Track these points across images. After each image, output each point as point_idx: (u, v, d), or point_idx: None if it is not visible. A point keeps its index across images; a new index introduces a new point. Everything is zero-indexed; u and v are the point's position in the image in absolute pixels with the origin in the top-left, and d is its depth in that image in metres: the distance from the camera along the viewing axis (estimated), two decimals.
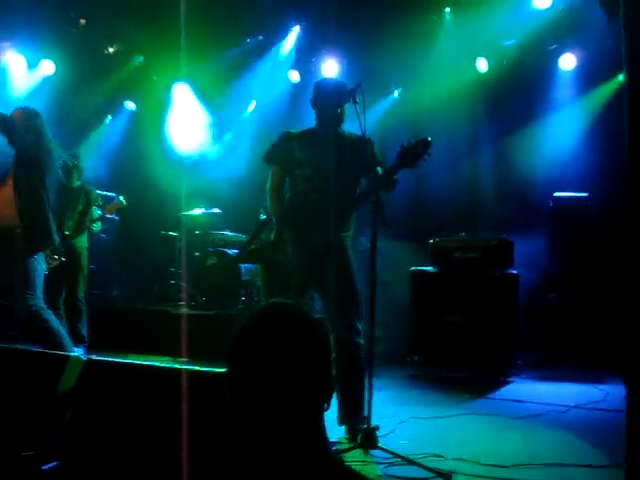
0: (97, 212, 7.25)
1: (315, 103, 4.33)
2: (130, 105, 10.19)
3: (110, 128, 10.21)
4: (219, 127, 9.98)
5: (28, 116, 5.14)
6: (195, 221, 8.90)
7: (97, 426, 3.26)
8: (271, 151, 4.42)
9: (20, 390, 3.56)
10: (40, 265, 5.00)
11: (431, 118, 8.26)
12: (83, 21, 8.74)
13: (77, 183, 7.15)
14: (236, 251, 8.20)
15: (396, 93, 9.10)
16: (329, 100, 4.19)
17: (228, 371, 1.75)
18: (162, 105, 9.94)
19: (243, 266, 7.93)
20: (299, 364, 1.66)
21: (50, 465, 3.01)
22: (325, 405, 1.75)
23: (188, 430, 3.00)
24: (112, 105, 10.10)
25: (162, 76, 9.69)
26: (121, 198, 7.18)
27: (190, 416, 3.03)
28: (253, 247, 4.14)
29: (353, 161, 4.13)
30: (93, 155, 9.55)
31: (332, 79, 4.39)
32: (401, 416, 4.51)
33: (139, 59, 9.58)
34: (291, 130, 4.46)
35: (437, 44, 8.12)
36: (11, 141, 5.01)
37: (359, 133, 4.08)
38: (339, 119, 4.23)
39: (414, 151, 3.76)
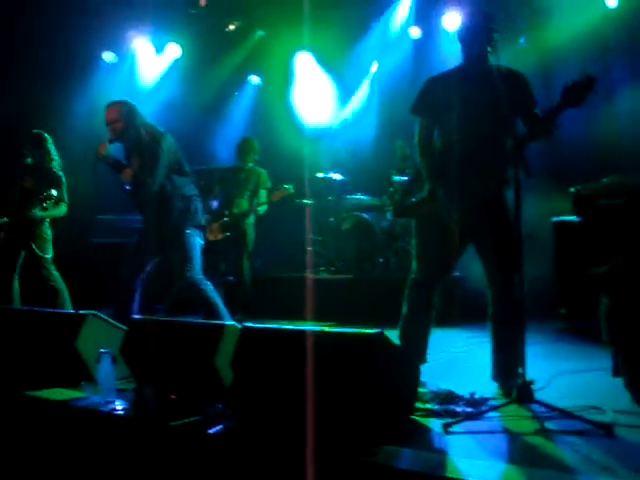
0: (264, 195, 7.49)
1: (462, 35, 4.04)
2: (254, 79, 10.37)
3: (238, 104, 10.45)
4: (343, 92, 9.98)
5: (129, 106, 5.28)
6: (326, 187, 8.98)
7: (257, 389, 3.41)
8: (416, 101, 4.17)
9: (180, 359, 3.77)
10: (194, 238, 5.24)
11: (561, 63, 7.91)
12: (203, 1, 8.96)
13: (250, 164, 7.49)
14: (369, 215, 8.23)
15: (522, 40, 8.76)
16: (477, 30, 3.93)
17: None
18: (286, 76, 10.06)
19: (379, 228, 7.95)
20: None
21: (215, 429, 3.16)
22: None
23: (345, 390, 3.08)
24: (237, 81, 10.32)
25: (284, 47, 9.78)
26: (287, 186, 7.31)
27: (345, 376, 3.10)
28: (406, 203, 4.13)
29: (508, 97, 3.76)
30: (223, 132, 9.85)
31: (480, 11, 4.11)
32: (552, 370, 4.40)
33: (260, 33, 9.73)
34: (434, 75, 4.21)
35: None
36: (124, 133, 5.18)
37: (510, 68, 3.90)
38: (486, 53, 3.91)
39: (580, 88, 3.45)
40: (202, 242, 5.34)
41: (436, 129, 4.13)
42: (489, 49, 3.90)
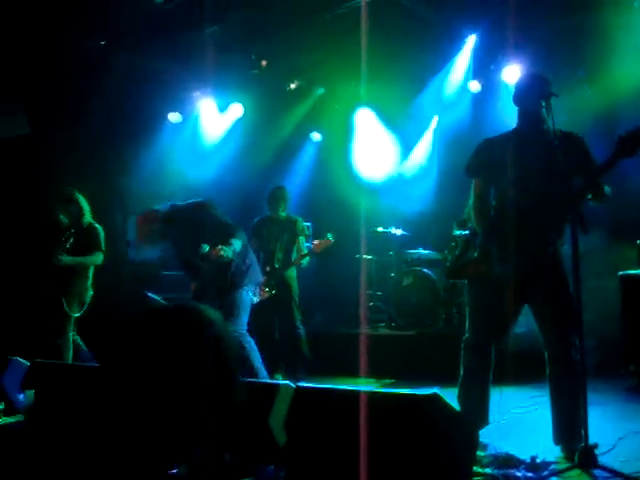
0: (305, 245, 7.34)
1: (518, 98, 4.06)
2: (316, 136, 10.52)
3: (299, 160, 10.60)
4: (404, 146, 10.02)
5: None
6: (387, 242, 8.96)
7: (311, 451, 3.36)
8: (471, 162, 4.21)
9: (234, 419, 3.74)
10: (247, 294, 5.29)
11: (626, 110, 7.76)
12: (264, 62, 9.19)
13: (283, 214, 7.29)
14: (431, 270, 8.16)
15: (585, 88, 8.66)
16: (534, 93, 3.92)
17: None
18: (346, 132, 10.16)
19: (441, 284, 7.87)
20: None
21: None
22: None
23: (399, 454, 3.00)
24: (299, 138, 10.49)
25: (344, 104, 9.92)
26: (329, 236, 7.08)
27: (400, 440, 3.03)
28: (461, 262, 4.06)
29: (565, 160, 3.75)
30: (286, 187, 9.97)
31: (534, 72, 4.13)
32: (620, 432, 4.23)
33: (320, 91, 9.89)
34: (488, 137, 4.24)
35: (626, 28, 7.63)
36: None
37: (567, 130, 3.88)
38: (544, 114, 3.91)
39: (634, 139, 3.46)
40: (255, 299, 5.39)
41: (492, 189, 4.12)
42: (544, 110, 3.88)
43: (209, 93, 9.57)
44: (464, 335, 4.14)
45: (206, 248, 5.20)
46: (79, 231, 6.37)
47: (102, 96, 8.29)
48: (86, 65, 8.11)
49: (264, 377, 5.20)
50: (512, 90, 4.15)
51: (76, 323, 6.42)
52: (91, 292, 6.46)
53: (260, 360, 5.22)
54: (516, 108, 4.12)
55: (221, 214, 5.45)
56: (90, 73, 8.19)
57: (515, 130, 4.13)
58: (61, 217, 6.54)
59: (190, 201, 5.50)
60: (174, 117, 9.59)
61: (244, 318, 5.24)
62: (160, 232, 5.36)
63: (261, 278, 5.60)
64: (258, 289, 5.49)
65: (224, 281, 5.28)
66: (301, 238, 7.28)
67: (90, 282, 6.47)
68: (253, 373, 5.11)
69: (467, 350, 4.11)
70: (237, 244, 5.17)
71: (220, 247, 5.11)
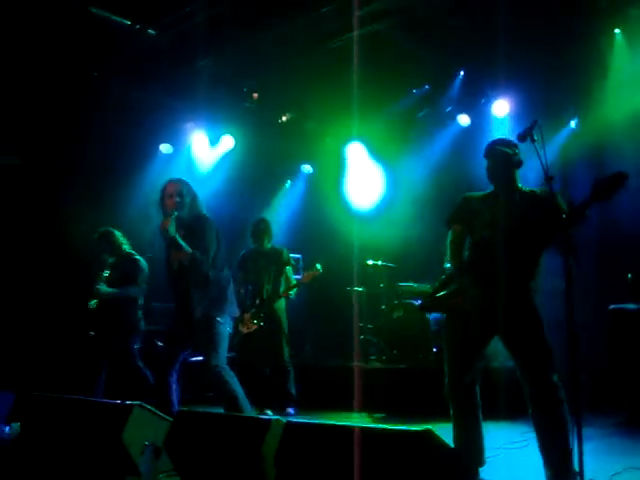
0: (292, 276, 7.34)
1: (487, 169, 4.20)
2: (307, 168, 10.57)
3: (290, 192, 10.64)
4: (395, 180, 10.06)
5: (188, 184, 5.44)
6: (378, 274, 8.95)
7: None
8: (451, 215, 4.35)
9: (225, 453, 3.70)
10: (224, 327, 5.24)
11: (614, 145, 7.85)
12: (256, 95, 9.27)
13: (268, 246, 7.30)
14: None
15: (573, 124, 8.77)
16: (497, 158, 4.08)
17: None
18: (338, 165, 10.23)
19: (432, 317, 7.85)
20: None
21: None
22: None
23: None
24: (290, 170, 10.55)
25: (335, 137, 10.01)
26: (318, 266, 7.10)
27: (392, 476, 3.00)
28: (438, 296, 4.07)
29: (537, 218, 3.91)
30: (277, 219, 9.99)
31: (499, 139, 4.24)
32: (614, 467, 4.20)
33: (311, 123, 9.96)
34: (467, 193, 4.37)
35: (610, 67, 7.76)
36: (181, 208, 5.25)
37: (542, 189, 3.96)
38: (511, 178, 4.11)
39: (610, 184, 3.51)
40: (231, 331, 5.34)
41: (468, 234, 4.23)
42: (514, 174, 4.09)
43: (201, 125, 9.62)
44: (444, 379, 4.14)
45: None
46: (118, 262, 6.61)
47: (94, 127, 8.32)
48: (79, 96, 8.16)
49: (249, 411, 5.13)
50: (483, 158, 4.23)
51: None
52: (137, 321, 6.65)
53: (243, 393, 5.15)
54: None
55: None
56: (83, 104, 8.22)
57: (492, 191, 4.25)
58: (107, 257, 6.70)
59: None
60: (165, 148, 9.62)
61: (224, 352, 5.19)
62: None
63: (237, 312, 5.54)
64: (233, 323, 5.44)
65: (199, 312, 5.23)
66: (288, 268, 7.27)
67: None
68: (237, 406, 5.05)
69: (450, 392, 4.13)
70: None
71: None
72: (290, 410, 6.89)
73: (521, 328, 3.90)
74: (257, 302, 7.05)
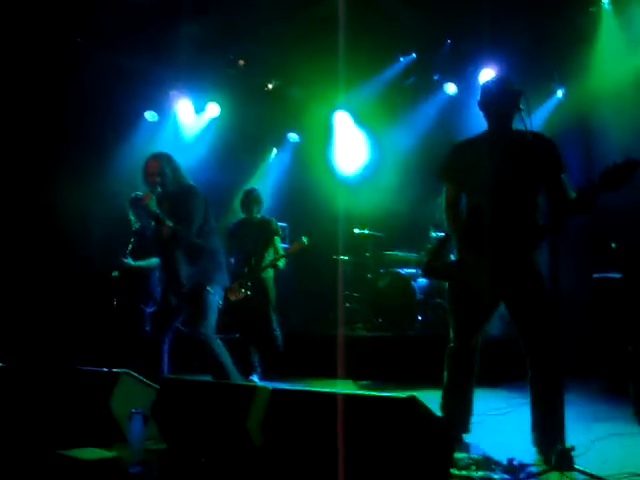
0: (280, 246, 7.36)
1: (487, 102, 4.02)
2: (293, 136, 10.51)
3: (276, 160, 10.59)
4: (381, 149, 10.03)
5: (169, 158, 5.41)
6: (364, 243, 8.97)
7: (287, 452, 3.34)
8: (442, 168, 4.21)
9: (211, 421, 3.72)
10: (214, 297, 5.25)
11: (600, 114, 7.85)
12: (242, 62, 9.17)
13: (257, 216, 7.31)
14: (409, 270, 8.19)
15: (559, 93, 8.75)
16: (500, 96, 3.90)
17: None
18: (324, 133, 10.16)
19: (417, 286, 7.89)
20: None
21: None
22: None
23: (376, 456, 3.00)
24: (276, 138, 10.47)
25: (321, 105, 9.91)
26: (304, 239, 7.11)
27: (376, 442, 3.03)
28: (438, 263, 4.05)
29: (535, 163, 3.75)
30: (262, 187, 9.95)
31: (502, 76, 4.09)
32: (595, 433, 4.26)
33: (297, 91, 9.88)
34: (459, 140, 4.25)
35: (598, 37, 7.73)
36: (164, 185, 5.25)
37: (537, 131, 3.88)
38: (512, 116, 3.89)
39: (620, 173, 3.37)
40: (220, 302, 5.35)
41: (463, 194, 4.12)
42: (514, 113, 3.86)
43: (186, 92, 9.52)
44: (449, 344, 4.14)
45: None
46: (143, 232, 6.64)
47: (78, 94, 8.23)
48: (62, 63, 8.05)
49: (237, 379, 5.16)
50: (479, 94, 4.11)
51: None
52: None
53: (231, 362, 5.18)
54: (483, 112, 4.09)
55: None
56: (66, 71, 8.11)
57: (484, 133, 4.12)
58: (134, 223, 6.79)
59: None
60: (150, 116, 9.53)
61: (212, 321, 5.21)
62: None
63: (228, 282, 5.54)
64: (223, 292, 5.45)
65: (189, 281, 5.24)
66: (276, 238, 7.28)
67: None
68: (225, 375, 5.08)
69: (450, 357, 4.12)
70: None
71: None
72: (274, 375, 6.98)
73: (527, 295, 3.86)
74: (245, 271, 7.07)
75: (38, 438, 4.25)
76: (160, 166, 5.26)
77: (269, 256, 7.20)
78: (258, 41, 8.59)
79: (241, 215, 7.41)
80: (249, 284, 7.00)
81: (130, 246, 6.51)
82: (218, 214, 7.04)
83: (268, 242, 7.22)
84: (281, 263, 7.25)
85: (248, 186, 7.71)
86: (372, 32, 8.06)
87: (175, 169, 5.34)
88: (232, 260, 7.22)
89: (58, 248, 8.30)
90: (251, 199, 7.29)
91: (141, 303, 6.82)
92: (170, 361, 5.42)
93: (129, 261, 6.54)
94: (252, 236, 7.20)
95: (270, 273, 7.24)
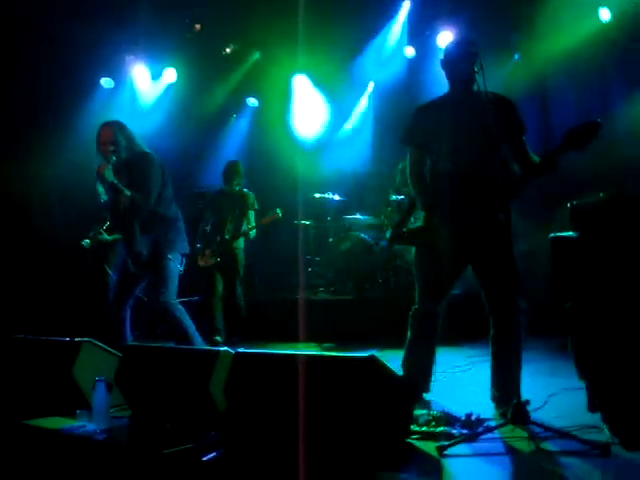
0: (253, 219, 7.48)
1: (449, 63, 3.99)
2: (252, 101, 10.43)
3: (235, 125, 10.50)
4: (341, 113, 10.02)
5: (122, 126, 5.32)
6: (324, 208, 9.00)
7: (251, 416, 3.39)
8: (405, 131, 4.19)
9: (174, 386, 3.75)
10: (174, 264, 5.25)
11: (556, 76, 7.94)
12: (198, 26, 9.05)
13: (236, 188, 7.51)
14: (370, 234, 8.25)
15: (516, 56, 8.79)
16: (465, 57, 3.85)
17: None
18: (283, 98, 10.08)
19: (378, 248, 7.96)
20: None
21: (209, 456, 3.13)
22: None
23: (338, 415, 3.06)
24: (235, 103, 10.38)
25: (280, 69, 9.81)
26: (278, 211, 7.36)
27: (338, 401, 3.09)
28: (405, 230, 4.09)
29: (497, 123, 3.72)
30: (222, 153, 9.89)
31: (464, 37, 4.05)
32: (551, 388, 4.38)
33: (256, 55, 9.79)
34: (422, 104, 4.22)
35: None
36: (118, 153, 5.18)
37: (499, 93, 3.90)
38: (474, 78, 3.80)
39: (582, 132, 3.45)
40: (181, 268, 5.35)
41: (428, 158, 4.13)
42: (475, 74, 3.80)
43: (142, 57, 9.35)
44: (414, 305, 4.19)
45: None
46: None
47: (31, 62, 8.05)
48: (13, 30, 7.84)
49: (199, 344, 5.19)
50: (441, 55, 4.12)
51: None
52: None
53: (194, 327, 5.22)
54: (445, 73, 4.09)
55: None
56: (17, 38, 7.92)
57: (447, 95, 4.12)
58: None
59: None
60: (106, 82, 9.36)
61: (173, 288, 5.23)
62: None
63: (188, 248, 5.53)
64: (184, 258, 5.45)
65: (148, 248, 5.22)
66: (251, 212, 7.46)
67: None
68: (188, 340, 5.11)
69: (415, 319, 4.16)
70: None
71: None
72: (237, 339, 7.07)
73: (493, 255, 3.90)
74: (217, 239, 7.32)
75: (2, 409, 4.25)
76: (113, 135, 5.18)
77: (243, 228, 7.40)
78: (214, 4, 8.47)
79: (222, 186, 7.59)
80: (220, 252, 7.26)
81: (107, 222, 6.46)
82: (177, 181, 7.01)
83: (242, 215, 7.42)
84: (252, 233, 7.45)
85: (230, 158, 7.95)
86: None
87: (129, 137, 5.25)
88: (206, 228, 7.45)
89: (17, 222, 8.17)
90: (231, 171, 7.50)
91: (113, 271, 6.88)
92: (133, 328, 5.43)
93: (104, 237, 6.55)
94: (229, 207, 7.42)
95: (241, 244, 7.45)
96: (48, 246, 8.28)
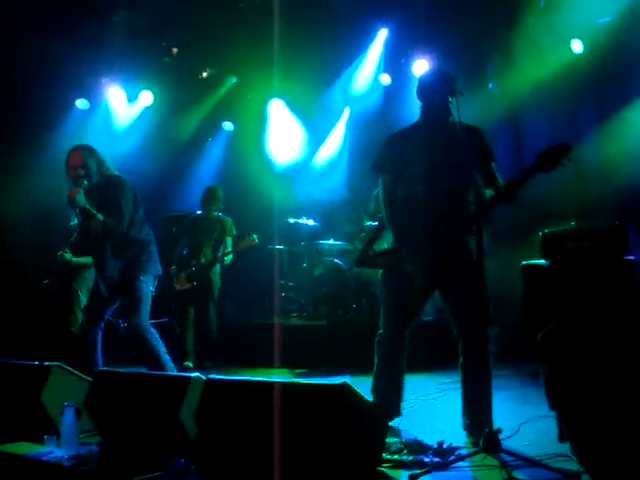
0: (230, 244, 7.54)
1: (424, 93, 4.08)
2: (228, 125, 10.44)
3: (211, 149, 10.50)
4: (316, 138, 10.06)
5: (92, 150, 5.28)
6: (298, 233, 9.00)
7: (222, 443, 3.36)
8: (378, 158, 4.26)
9: (145, 412, 3.71)
10: (146, 286, 5.22)
11: (529, 107, 8.05)
12: (175, 50, 9.07)
13: (215, 213, 7.57)
14: (343, 260, 8.26)
15: (490, 85, 8.91)
16: (440, 88, 3.95)
17: None
18: (259, 122, 10.11)
19: (351, 274, 7.96)
20: None
21: None
22: None
23: (310, 442, 3.04)
24: (211, 127, 10.38)
25: (256, 94, 9.86)
26: (254, 236, 7.40)
27: (311, 428, 3.07)
28: (371, 252, 4.11)
29: (468, 151, 3.78)
30: (197, 177, 9.87)
31: (440, 68, 4.17)
32: (524, 416, 4.38)
33: (232, 80, 9.82)
34: (394, 131, 4.30)
35: (528, 29, 7.90)
36: (89, 177, 5.13)
37: (469, 123, 3.96)
38: (448, 108, 3.90)
39: (553, 154, 3.52)
40: (153, 290, 5.31)
41: (399, 185, 4.17)
42: (449, 104, 3.90)
43: (118, 79, 9.33)
44: (378, 330, 4.21)
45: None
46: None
47: (4, 81, 8.00)
48: None
49: (171, 369, 5.15)
50: (417, 84, 4.18)
51: None
52: None
53: (165, 351, 5.17)
54: (420, 102, 4.17)
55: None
56: None
57: (419, 122, 4.19)
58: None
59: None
60: (82, 104, 9.32)
61: (146, 311, 5.19)
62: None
63: (160, 270, 5.49)
64: (156, 280, 5.41)
65: (120, 271, 5.19)
66: (228, 238, 7.52)
67: None
68: (159, 364, 5.06)
69: (381, 344, 4.19)
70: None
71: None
72: (209, 364, 7.08)
73: (460, 281, 3.92)
74: (194, 263, 7.37)
75: None
76: (83, 158, 5.14)
77: (219, 253, 7.44)
78: (192, 29, 8.48)
79: (198, 211, 7.68)
80: (196, 276, 7.31)
81: (72, 239, 6.33)
82: (152, 204, 6.99)
83: (220, 240, 7.48)
84: (228, 259, 7.51)
85: (205, 181, 8.29)
86: (307, 21, 8.07)
87: (99, 161, 5.22)
88: (184, 252, 7.51)
89: None
90: (211, 196, 7.58)
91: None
92: (104, 352, 5.37)
93: (68, 256, 6.47)
94: (206, 232, 7.49)
95: (218, 268, 7.49)
96: (16, 267, 8.19)
